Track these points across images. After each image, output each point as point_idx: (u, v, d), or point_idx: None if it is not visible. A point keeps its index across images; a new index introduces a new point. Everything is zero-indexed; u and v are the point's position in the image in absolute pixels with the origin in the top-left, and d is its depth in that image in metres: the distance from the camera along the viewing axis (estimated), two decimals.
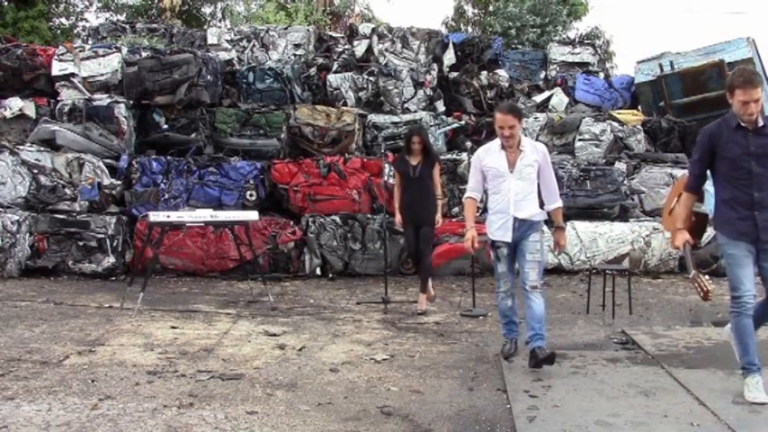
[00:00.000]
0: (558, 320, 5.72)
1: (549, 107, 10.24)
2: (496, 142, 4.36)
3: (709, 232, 8.48)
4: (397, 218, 6.27)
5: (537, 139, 8.14)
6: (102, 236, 7.76)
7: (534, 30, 15.82)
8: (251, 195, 8.20)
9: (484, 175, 4.39)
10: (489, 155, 4.38)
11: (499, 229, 4.33)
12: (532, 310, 4.21)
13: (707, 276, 3.72)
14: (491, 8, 17.35)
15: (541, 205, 4.42)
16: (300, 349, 4.79)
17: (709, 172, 4.00)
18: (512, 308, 4.43)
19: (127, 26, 11.22)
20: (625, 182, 8.81)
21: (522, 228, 4.29)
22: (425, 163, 6.15)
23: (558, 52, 11.49)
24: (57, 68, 8.60)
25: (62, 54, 8.66)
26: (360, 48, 9.93)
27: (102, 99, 8.36)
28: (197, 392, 3.80)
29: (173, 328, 5.38)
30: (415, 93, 9.33)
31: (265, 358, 4.55)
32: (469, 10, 18.55)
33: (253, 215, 6.54)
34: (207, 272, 7.93)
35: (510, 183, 4.28)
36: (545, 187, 4.39)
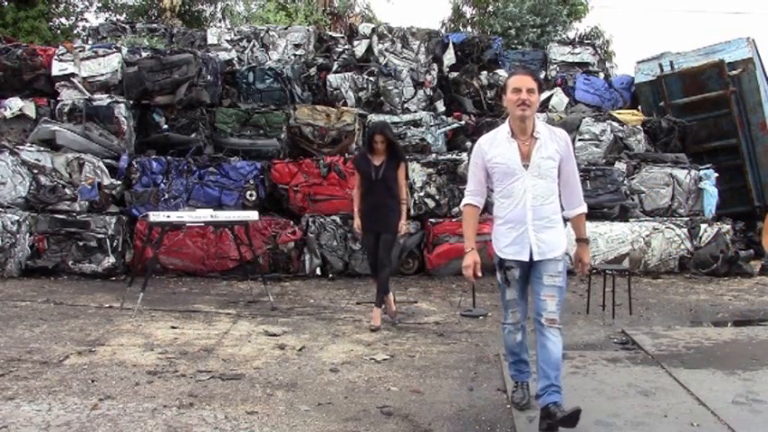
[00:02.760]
0: None
1: (549, 107, 10.24)
2: (503, 129, 3.40)
3: (710, 233, 8.54)
4: (356, 222, 5.66)
5: None
6: (102, 236, 7.76)
7: (534, 30, 15.81)
8: (251, 195, 8.20)
9: (488, 173, 3.41)
10: (495, 146, 3.38)
11: (511, 245, 3.35)
12: (548, 351, 3.24)
13: None
14: (490, 8, 17.34)
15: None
16: (300, 349, 4.79)
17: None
18: (521, 343, 3.53)
19: (127, 26, 11.22)
20: (625, 182, 8.82)
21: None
22: (389, 163, 5.51)
23: (557, 52, 11.50)
24: (57, 68, 8.60)
25: (62, 54, 8.66)
26: (360, 48, 9.93)
27: (102, 99, 8.36)
28: (197, 392, 3.80)
29: (173, 328, 5.38)
30: (415, 93, 9.33)
31: (265, 358, 4.55)
32: (468, 11, 18.54)
33: (253, 215, 6.54)
34: (207, 272, 7.93)
35: (525, 182, 3.30)
36: (565, 186, 3.43)
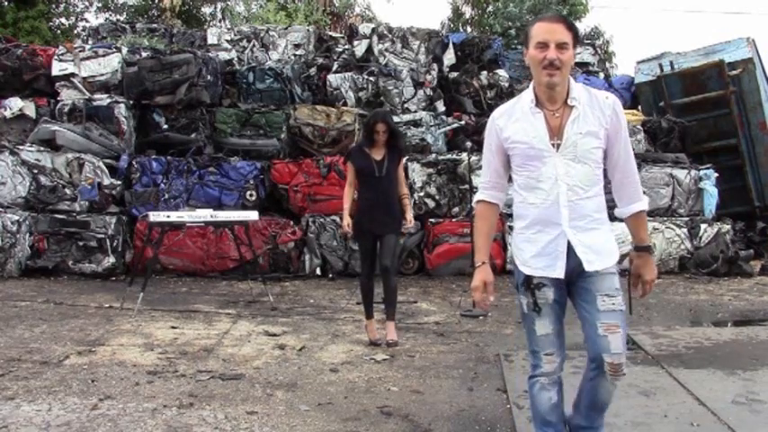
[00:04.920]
0: None
1: None
2: (525, 97, 2.50)
3: (710, 233, 8.54)
4: (345, 222, 4.96)
5: None
6: (102, 236, 7.76)
7: None
8: (251, 195, 8.20)
9: (507, 156, 2.53)
10: (514, 120, 2.49)
11: (540, 257, 2.45)
12: (598, 396, 2.52)
13: None
14: (490, 8, 17.34)
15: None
16: (300, 349, 4.79)
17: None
18: (557, 406, 2.54)
19: (127, 26, 11.21)
20: None
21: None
22: (391, 157, 4.95)
23: None
24: (57, 68, 8.60)
25: (62, 54, 8.66)
26: (360, 48, 9.93)
27: (102, 99, 8.36)
28: (197, 392, 3.80)
29: (173, 328, 5.38)
30: (415, 93, 9.33)
31: (265, 358, 4.55)
32: (468, 11, 18.54)
33: (253, 215, 6.54)
34: (207, 272, 7.93)
35: (556, 167, 2.40)
36: (615, 173, 2.51)
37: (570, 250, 2.41)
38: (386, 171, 4.92)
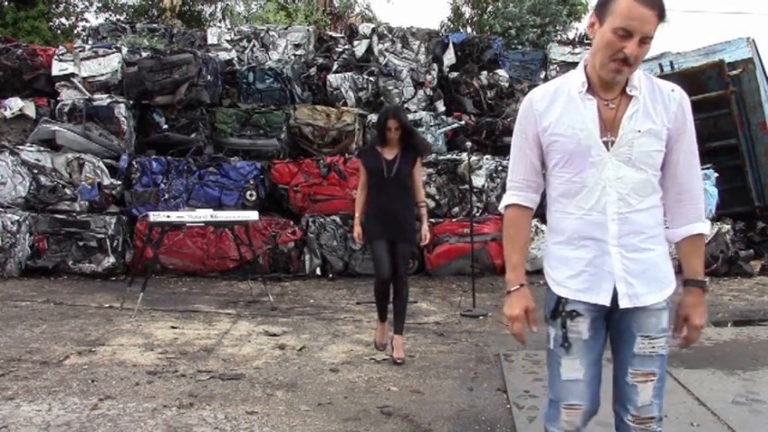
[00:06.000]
0: None
1: None
2: (574, 78, 1.98)
3: (710, 233, 8.54)
4: (356, 230, 4.62)
5: None
6: (102, 236, 7.76)
7: (534, 30, 15.81)
8: (251, 195, 8.20)
9: (544, 150, 2.01)
10: (556, 105, 1.97)
11: (579, 278, 1.96)
12: None
13: None
14: (490, 8, 17.35)
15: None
16: (300, 349, 4.79)
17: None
18: None
19: (127, 26, 11.22)
20: None
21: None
22: (404, 157, 4.52)
23: (557, 52, 11.49)
24: (57, 68, 8.60)
25: (62, 54, 8.66)
26: (360, 48, 9.93)
27: (102, 99, 8.36)
28: (197, 392, 3.80)
29: (173, 328, 5.38)
30: (415, 93, 9.33)
31: (265, 358, 4.55)
32: (467, 11, 18.55)
33: (253, 215, 6.54)
34: (207, 272, 7.93)
35: (605, 171, 1.93)
36: (674, 184, 2.01)
37: (617, 272, 1.94)
38: (396, 172, 4.48)
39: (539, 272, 2.41)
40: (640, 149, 1.91)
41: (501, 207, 2.14)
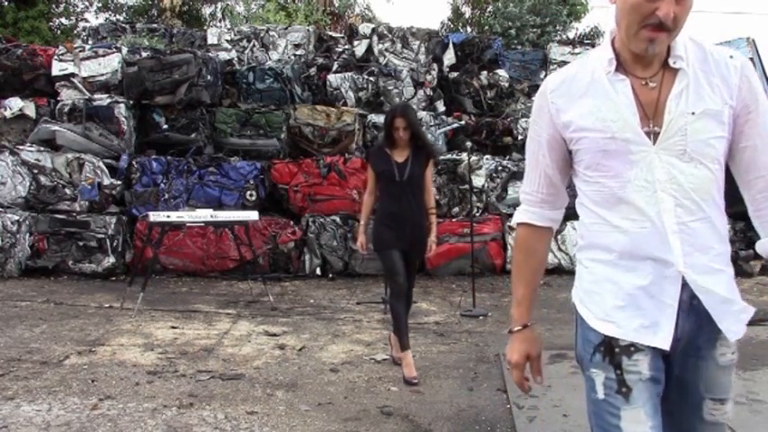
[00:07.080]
0: (558, 320, 5.71)
1: None
2: (597, 58, 1.54)
3: None
4: (360, 239, 4.40)
5: None
6: (102, 236, 7.76)
7: (534, 30, 15.80)
8: (251, 195, 8.20)
9: (567, 152, 1.60)
10: (578, 94, 1.54)
11: (630, 309, 1.48)
12: None
13: None
14: (490, 8, 17.35)
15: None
16: (300, 349, 4.79)
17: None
18: None
19: (127, 26, 11.21)
20: None
21: (702, 311, 1.47)
22: (416, 159, 4.23)
23: (558, 52, 11.48)
24: (57, 68, 8.59)
25: (62, 54, 8.66)
26: (360, 48, 9.93)
27: (102, 99, 8.35)
28: (197, 392, 3.80)
29: (173, 328, 5.38)
30: (415, 93, 9.34)
31: (265, 358, 4.55)
32: (467, 11, 18.55)
33: (253, 215, 6.54)
34: (207, 272, 7.93)
35: (653, 170, 1.46)
36: (756, 176, 1.54)
37: (683, 304, 1.45)
38: (408, 175, 4.16)
39: (548, 271, 1.95)
40: (697, 137, 1.45)
41: (513, 222, 1.77)
